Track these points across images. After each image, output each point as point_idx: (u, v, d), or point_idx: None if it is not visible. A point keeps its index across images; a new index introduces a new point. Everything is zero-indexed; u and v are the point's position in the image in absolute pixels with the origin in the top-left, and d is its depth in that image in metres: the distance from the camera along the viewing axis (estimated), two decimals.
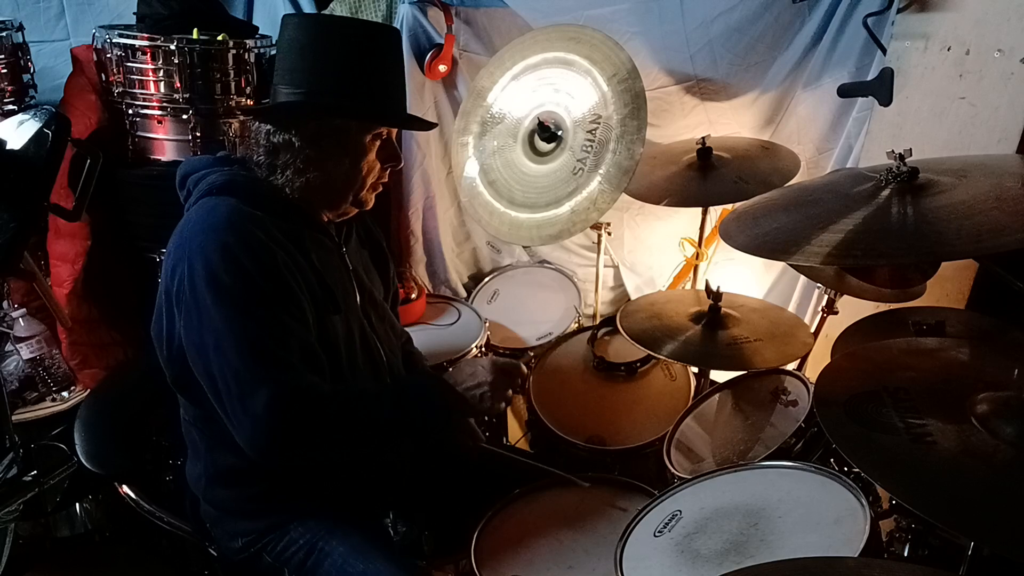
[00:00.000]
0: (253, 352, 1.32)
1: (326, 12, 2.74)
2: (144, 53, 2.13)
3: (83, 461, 1.77)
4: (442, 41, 2.69)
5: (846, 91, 2.23)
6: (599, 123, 2.31)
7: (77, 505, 2.25)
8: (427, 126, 1.70)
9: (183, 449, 1.66)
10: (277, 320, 1.36)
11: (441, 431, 1.53)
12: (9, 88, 2.16)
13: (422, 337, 2.33)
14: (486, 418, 2.29)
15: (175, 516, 1.75)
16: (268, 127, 1.47)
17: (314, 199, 1.52)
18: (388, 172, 1.59)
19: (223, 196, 1.44)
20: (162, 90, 2.16)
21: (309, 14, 2.58)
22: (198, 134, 2.20)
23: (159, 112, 2.19)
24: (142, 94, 2.18)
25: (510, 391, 1.54)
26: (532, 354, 2.54)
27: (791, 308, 2.55)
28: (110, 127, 2.25)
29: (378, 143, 1.53)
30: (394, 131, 1.58)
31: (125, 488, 1.77)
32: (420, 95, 2.75)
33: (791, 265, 2.18)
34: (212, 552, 1.67)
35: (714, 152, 2.31)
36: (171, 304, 1.40)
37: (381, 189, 1.61)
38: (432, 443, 1.79)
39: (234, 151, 1.59)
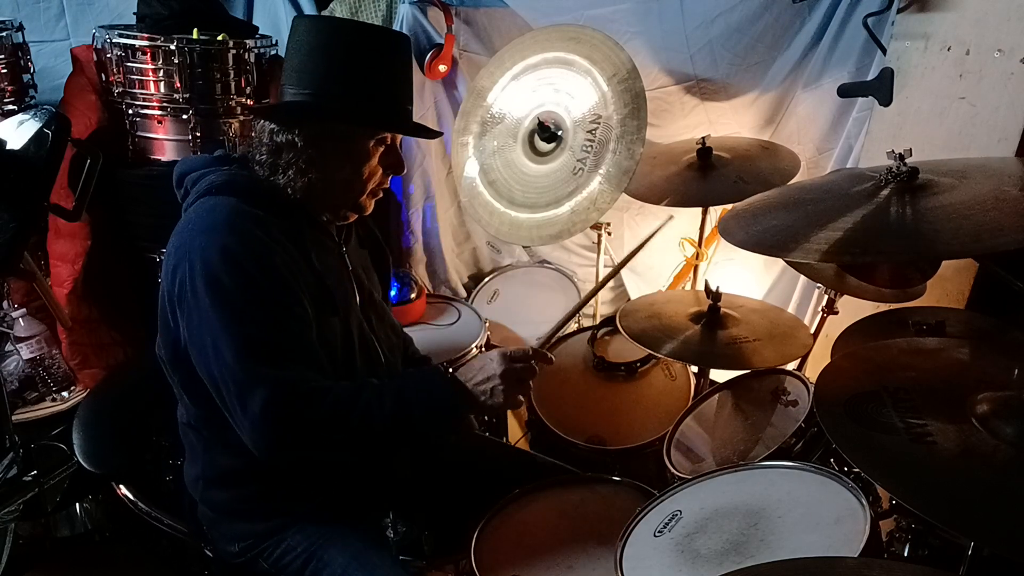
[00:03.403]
0: (249, 353, 1.32)
1: (326, 12, 2.75)
2: (144, 53, 2.13)
3: (82, 461, 1.77)
4: (442, 41, 2.69)
5: (846, 91, 2.23)
6: (599, 123, 2.31)
7: (77, 505, 2.25)
8: (433, 134, 1.69)
9: (183, 450, 1.66)
10: (275, 320, 1.37)
11: (447, 428, 1.49)
12: (9, 88, 2.16)
13: (422, 337, 2.33)
14: (486, 418, 2.29)
15: (173, 517, 1.74)
16: (272, 126, 1.47)
17: (314, 200, 1.52)
18: (389, 178, 1.59)
19: (223, 195, 1.44)
20: (162, 90, 2.16)
21: (320, 16, 2.58)
22: (198, 134, 2.20)
23: (159, 112, 2.19)
24: (142, 94, 2.18)
25: (525, 383, 1.46)
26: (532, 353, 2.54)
27: (791, 308, 2.55)
28: (110, 127, 2.24)
29: (381, 149, 1.52)
30: (399, 137, 1.58)
31: (123, 489, 1.77)
32: (420, 95, 2.75)
33: (790, 263, 2.18)
34: (209, 554, 1.67)
35: (714, 152, 2.31)
36: (173, 306, 1.41)
37: (381, 195, 1.61)
38: (432, 443, 1.79)
39: (233, 150, 1.59)
